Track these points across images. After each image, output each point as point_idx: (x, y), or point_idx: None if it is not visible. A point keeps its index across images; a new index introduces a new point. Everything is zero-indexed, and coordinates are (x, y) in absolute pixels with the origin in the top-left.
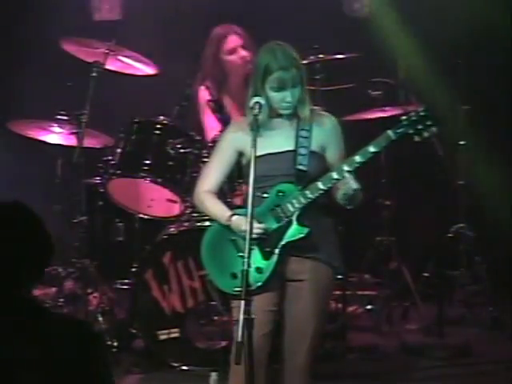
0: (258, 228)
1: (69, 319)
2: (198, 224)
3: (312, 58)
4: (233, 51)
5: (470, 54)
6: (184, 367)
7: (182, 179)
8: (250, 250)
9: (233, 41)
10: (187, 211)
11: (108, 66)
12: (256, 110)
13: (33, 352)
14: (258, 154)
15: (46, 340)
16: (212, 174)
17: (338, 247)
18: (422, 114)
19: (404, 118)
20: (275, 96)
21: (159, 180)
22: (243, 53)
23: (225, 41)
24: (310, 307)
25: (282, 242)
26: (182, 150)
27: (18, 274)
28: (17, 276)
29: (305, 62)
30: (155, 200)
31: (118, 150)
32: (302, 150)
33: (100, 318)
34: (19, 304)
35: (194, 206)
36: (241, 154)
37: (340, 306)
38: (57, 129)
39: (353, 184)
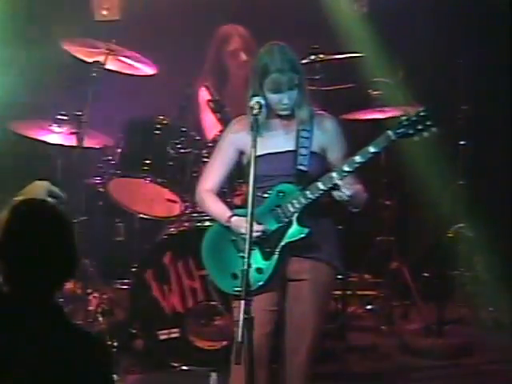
0: (257, 230)
1: (84, 333)
2: (198, 224)
3: (312, 57)
4: (234, 54)
5: (470, 53)
6: (184, 367)
7: (182, 179)
8: (251, 250)
9: (235, 43)
10: (187, 211)
11: (108, 66)
12: (256, 110)
13: (38, 357)
14: (258, 153)
15: (58, 349)
16: (213, 174)
17: (338, 247)
18: (421, 114)
19: (404, 118)
20: (272, 97)
21: (159, 180)
22: (244, 57)
23: (227, 43)
24: (310, 307)
25: (283, 243)
26: (182, 150)
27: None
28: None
29: (305, 61)
30: (155, 200)
31: (118, 150)
32: (303, 151)
33: (100, 318)
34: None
35: (194, 205)
36: (241, 154)
37: (340, 306)
38: (57, 129)
39: (346, 191)
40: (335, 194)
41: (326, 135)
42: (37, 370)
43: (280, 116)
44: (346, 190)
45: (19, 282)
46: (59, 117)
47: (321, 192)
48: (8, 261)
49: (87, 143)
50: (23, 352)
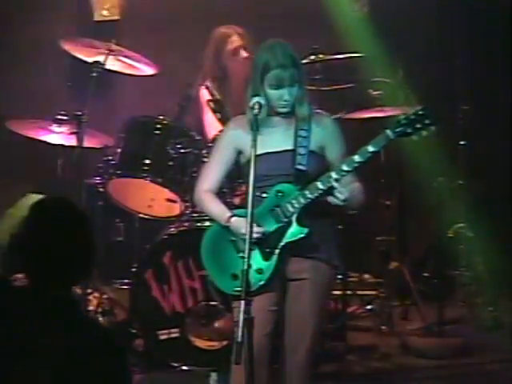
0: (257, 231)
1: (100, 329)
2: (198, 224)
3: (312, 57)
4: (235, 53)
5: (470, 53)
6: (184, 367)
7: (182, 179)
8: (250, 250)
9: (235, 42)
10: (187, 211)
11: (108, 66)
12: (256, 110)
13: (54, 351)
14: (257, 153)
15: (74, 341)
16: (211, 173)
17: (337, 246)
18: (420, 113)
19: (402, 117)
20: (273, 94)
21: (159, 180)
22: (245, 54)
23: (227, 42)
24: (310, 306)
25: (282, 243)
26: (182, 150)
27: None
28: (68, 274)
29: (305, 61)
30: (155, 200)
31: (118, 150)
32: (301, 150)
33: (100, 318)
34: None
35: (194, 205)
36: (240, 153)
37: (340, 306)
38: (57, 129)
39: (340, 196)
40: (330, 199)
41: (324, 134)
42: (52, 364)
43: (279, 114)
44: (340, 194)
45: (37, 276)
46: (59, 117)
47: (320, 192)
48: (27, 255)
49: (87, 143)
50: (38, 346)
